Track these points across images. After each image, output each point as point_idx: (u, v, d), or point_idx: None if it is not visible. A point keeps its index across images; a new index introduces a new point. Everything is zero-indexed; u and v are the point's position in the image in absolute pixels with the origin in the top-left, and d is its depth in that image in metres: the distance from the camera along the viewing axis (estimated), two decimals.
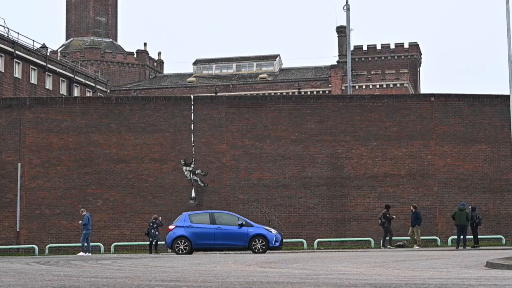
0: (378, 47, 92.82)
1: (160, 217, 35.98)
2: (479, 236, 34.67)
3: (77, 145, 39.38)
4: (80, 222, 33.45)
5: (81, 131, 39.46)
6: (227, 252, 30.97)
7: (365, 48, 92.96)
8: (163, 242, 36.89)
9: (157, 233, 34.70)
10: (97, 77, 76.09)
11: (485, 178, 39.07)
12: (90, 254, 32.44)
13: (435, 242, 37.72)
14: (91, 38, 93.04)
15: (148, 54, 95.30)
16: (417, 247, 34.07)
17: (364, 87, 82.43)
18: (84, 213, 33.18)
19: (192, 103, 39.74)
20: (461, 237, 32.73)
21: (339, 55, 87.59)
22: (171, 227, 30.67)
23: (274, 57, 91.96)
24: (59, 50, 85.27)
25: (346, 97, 43.90)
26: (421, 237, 38.15)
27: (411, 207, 35.64)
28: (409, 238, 37.08)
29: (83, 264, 17.43)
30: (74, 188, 38.94)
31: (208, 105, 39.98)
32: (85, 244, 32.84)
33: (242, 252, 30.44)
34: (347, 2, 55.31)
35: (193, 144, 39.32)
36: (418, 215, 34.84)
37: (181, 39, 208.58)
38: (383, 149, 39.18)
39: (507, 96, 35.31)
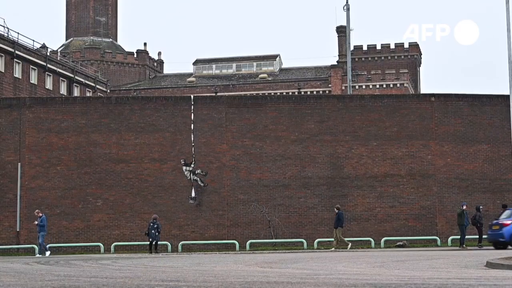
0: (378, 47, 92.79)
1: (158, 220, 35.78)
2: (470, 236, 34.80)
3: (77, 145, 39.38)
4: (35, 222, 33.71)
5: (81, 131, 39.46)
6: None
7: (365, 48, 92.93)
8: (164, 242, 36.92)
9: (157, 233, 34.63)
10: (97, 77, 76.08)
11: (485, 178, 39.07)
12: (48, 252, 32.91)
13: (435, 242, 37.71)
14: (91, 38, 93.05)
15: (148, 54, 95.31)
16: (333, 249, 33.19)
17: (364, 87, 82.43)
18: (40, 214, 33.49)
19: (192, 103, 39.74)
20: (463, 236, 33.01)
21: (339, 55, 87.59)
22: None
23: (274, 57, 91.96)
24: (59, 50, 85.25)
25: (346, 97, 43.91)
26: (420, 237, 38.20)
27: (335, 209, 34.84)
28: (407, 237, 37.14)
29: (83, 264, 17.44)
30: (74, 188, 38.95)
31: (208, 105, 39.98)
32: (44, 244, 33.38)
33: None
34: (347, 2, 55.30)
35: (193, 144, 39.32)
36: (340, 217, 33.88)
37: (181, 39, 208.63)
38: (383, 149, 39.18)
39: (507, 96, 35.31)
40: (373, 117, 39.44)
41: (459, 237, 34.39)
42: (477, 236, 34.05)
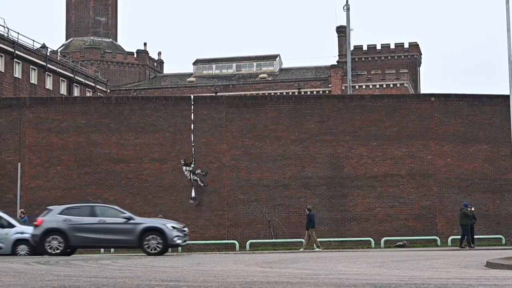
0: (378, 47, 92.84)
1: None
2: (476, 236, 34.78)
3: (77, 145, 39.39)
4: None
5: (81, 131, 39.47)
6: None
7: (365, 48, 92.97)
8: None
9: None
10: (97, 77, 76.09)
11: (485, 178, 39.06)
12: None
13: (435, 242, 37.72)
14: (91, 38, 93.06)
15: (148, 54, 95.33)
16: (317, 249, 32.83)
17: (364, 87, 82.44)
18: (23, 215, 33.31)
19: (192, 103, 39.75)
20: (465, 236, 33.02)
21: (339, 55, 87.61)
22: None
23: (274, 57, 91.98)
24: (59, 50, 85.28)
25: (346, 97, 43.91)
26: (420, 237, 38.21)
27: (306, 210, 34.66)
28: (407, 237, 37.12)
29: (83, 264, 17.43)
30: (74, 188, 38.96)
31: (208, 105, 39.98)
32: None
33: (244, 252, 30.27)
34: (347, 2, 55.29)
35: (193, 144, 39.33)
36: (311, 218, 33.65)
37: (181, 39, 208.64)
38: (383, 149, 39.18)
39: (507, 96, 35.30)
40: (373, 117, 39.45)
41: (459, 236, 34.39)
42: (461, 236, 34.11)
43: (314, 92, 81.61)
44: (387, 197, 38.70)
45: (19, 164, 39.04)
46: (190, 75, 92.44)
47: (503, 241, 37.50)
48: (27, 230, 27.80)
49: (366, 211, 38.64)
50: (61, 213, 25.52)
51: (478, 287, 9.34)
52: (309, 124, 39.40)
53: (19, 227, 28.00)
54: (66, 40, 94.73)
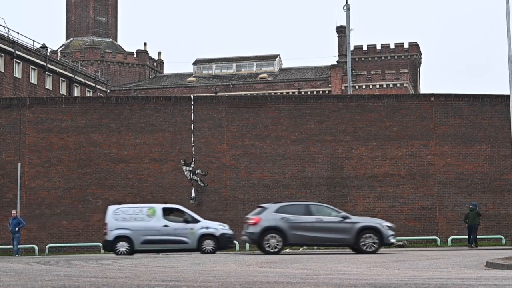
0: (378, 47, 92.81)
1: None
2: (479, 236, 34.75)
3: (77, 145, 39.38)
4: (20, 226, 33.65)
5: (81, 131, 39.47)
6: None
7: (365, 48, 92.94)
8: None
9: None
10: (97, 77, 76.09)
11: (485, 178, 39.06)
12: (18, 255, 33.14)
13: (435, 242, 37.71)
14: (91, 38, 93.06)
15: (148, 54, 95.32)
16: (300, 249, 33.21)
17: (364, 87, 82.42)
18: (16, 215, 33.70)
19: (192, 103, 39.75)
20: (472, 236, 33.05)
21: (339, 55, 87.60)
22: None
23: (274, 57, 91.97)
24: (59, 50, 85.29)
25: (346, 97, 43.90)
26: (420, 237, 38.22)
27: None
28: (407, 237, 37.10)
29: (83, 264, 17.43)
30: (74, 188, 38.94)
31: (208, 105, 39.98)
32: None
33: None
34: (347, 2, 55.27)
35: (193, 144, 39.33)
36: None
37: (181, 39, 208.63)
38: (383, 149, 39.18)
39: (507, 96, 35.30)
40: (373, 117, 39.45)
41: (459, 236, 34.39)
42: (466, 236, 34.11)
43: (314, 92, 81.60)
44: (387, 197, 38.70)
45: (19, 164, 39.04)
46: (190, 75, 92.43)
47: (503, 241, 37.49)
48: (212, 225, 27.94)
49: (366, 211, 38.61)
50: (277, 211, 25.57)
51: (478, 287, 9.35)
52: (309, 124, 39.40)
53: (204, 222, 28.13)
54: (66, 40, 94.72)
